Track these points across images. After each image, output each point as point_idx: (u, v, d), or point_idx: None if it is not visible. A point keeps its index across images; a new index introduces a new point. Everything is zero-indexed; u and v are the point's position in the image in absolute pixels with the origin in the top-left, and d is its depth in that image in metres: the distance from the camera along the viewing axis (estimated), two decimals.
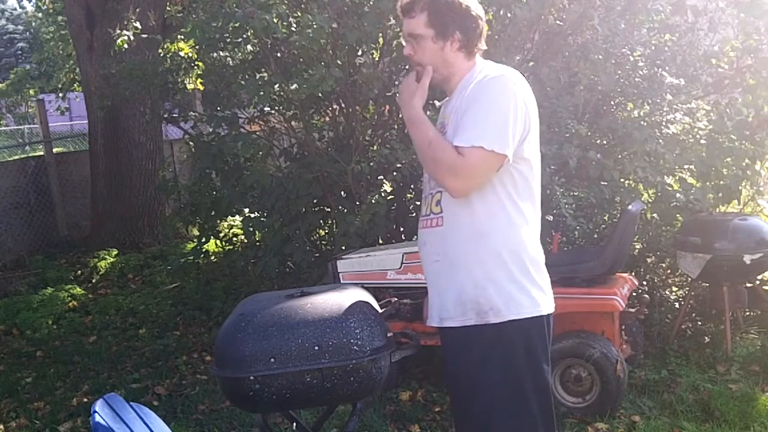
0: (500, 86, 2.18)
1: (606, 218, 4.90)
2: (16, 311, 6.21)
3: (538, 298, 2.24)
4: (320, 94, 4.76)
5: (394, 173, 4.78)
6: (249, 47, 5.23)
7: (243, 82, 4.99)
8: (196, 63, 5.97)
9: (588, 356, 3.73)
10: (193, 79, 6.18)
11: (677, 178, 4.87)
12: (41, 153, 8.96)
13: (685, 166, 4.82)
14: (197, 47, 5.61)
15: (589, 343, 3.77)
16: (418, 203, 5.16)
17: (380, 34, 4.72)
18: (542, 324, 2.25)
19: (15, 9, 39.59)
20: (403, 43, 2.33)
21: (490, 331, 2.20)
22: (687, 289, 5.00)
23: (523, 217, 2.24)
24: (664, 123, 4.68)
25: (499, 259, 2.20)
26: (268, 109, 5.31)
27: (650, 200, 4.86)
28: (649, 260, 5.10)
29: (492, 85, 2.18)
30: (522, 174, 2.23)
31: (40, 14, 16.70)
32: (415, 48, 2.30)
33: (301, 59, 4.71)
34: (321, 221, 5.45)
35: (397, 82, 5.11)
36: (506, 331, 2.20)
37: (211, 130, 5.37)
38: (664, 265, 5.14)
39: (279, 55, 4.96)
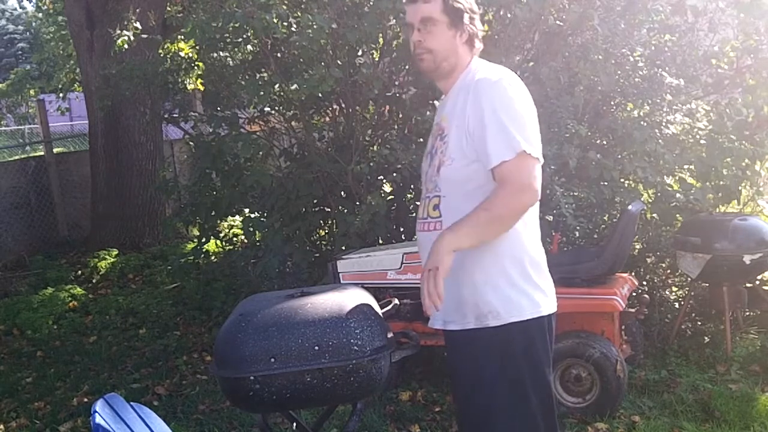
0: (508, 91, 2.17)
1: (606, 218, 4.90)
2: (16, 311, 6.22)
3: (539, 300, 2.23)
4: (320, 95, 4.77)
5: (394, 174, 4.78)
6: (249, 47, 5.23)
7: (243, 83, 5.00)
8: (196, 63, 5.98)
9: (588, 356, 3.73)
10: (193, 79, 6.19)
11: (677, 178, 4.87)
12: (41, 153, 8.97)
13: (685, 166, 4.82)
14: (197, 47, 5.62)
15: (589, 343, 3.77)
16: (418, 203, 5.15)
17: (380, 34, 4.72)
18: (543, 325, 2.24)
19: (15, 9, 39.59)
20: (411, 39, 2.30)
21: (490, 333, 2.20)
22: (687, 289, 5.00)
23: (522, 219, 2.23)
24: (663, 123, 4.68)
25: (498, 263, 2.20)
26: (268, 109, 5.32)
27: (650, 200, 4.86)
28: (649, 260, 5.10)
29: (500, 90, 2.16)
30: None
31: (40, 14, 16.70)
32: (426, 34, 2.26)
33: (301, 59, 4.71)
34: (321, 221, 5.45)
35: (397, 83, 5.11)
36: (506, 333, 2.19)
37: (211, 130, 5.37)
38: (664, 265, 5.14)
39: (279, 55, 4.96)
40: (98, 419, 2.29)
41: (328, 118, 5.49)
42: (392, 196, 5.00)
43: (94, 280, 7.32)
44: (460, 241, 2.09)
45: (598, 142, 4.84)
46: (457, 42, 2.26)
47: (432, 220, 2.30)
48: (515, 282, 2.20)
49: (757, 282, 4.88)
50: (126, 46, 5.58)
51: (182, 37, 6.19)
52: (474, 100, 2.18)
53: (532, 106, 2.23)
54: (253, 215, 5.39)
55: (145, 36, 5.76)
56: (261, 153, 5.27)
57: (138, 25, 5.66)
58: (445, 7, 2.23)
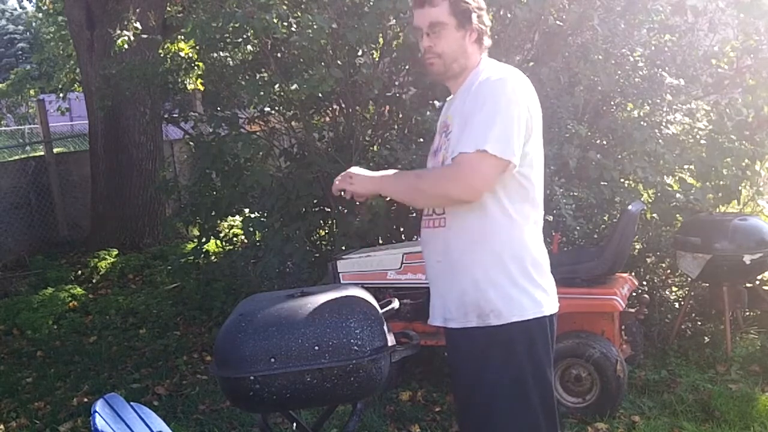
0: (503, 91, 2.15)
1: (606, 218, 4.90)
2: (16, 311, 6.21)
3: (540, 299, 2.23)
4: (320, 95, 4.77)
5: None
6: (249, 47, 5.24)
7: (243, 83, 5.00)
8: (196, 63, 5.98)
9: (588, 356, 3.73)
10: (193, 79, 6.19)
11: (677, 178, 4.87)
12: (41, 153, 8.97)
13: (685, 166, 4.83)
14: (197, 47, 5.62)
15: (589, 343, 3.77)
16: None
17: (380, 35, 4.72)
18: (545, 324, 2.24)
19: (15, 9, 39.60)
20: (421, 43, 2.31)
21: (492, 332, 2.20)
22: (687, 289, 5.00)
23: (525, 219, 2.23)
24: (663, 123, 4.68)
25: (500, 261, 2.20)
26: (268, 109, 5.32)
27: (650, 200, 4.86)
28: (649, 260, 5.10)
29: (495, 89, 2.16)
30: (524, 176, 2.22)
31: (40, 15, 16.70)
32: (435, 39, 2.26)
33: (301, 59, 4.71)
34: (321, 221, 5.45)
35: (397, 83, 5.10)
36: (508, 332, 2.20)
37: (211, 130, 5.37)
38: (664, 265, 5.14)
39: (279, 55, 4.96)
40: (98, 419, 2.30)
41: (328, 118, 5.49)
42: None
43: (94, 280, 7.32)
44: (386, 189, 2.35)
45: (598, 142, 4.84)
46: (465, 42, 2.27)
47: (437, 217, 2.30)
48: (516, 281, 2.21)
49: (757, 282, 4.88)
50: (126, 46, 5.58)
51: (182, 37, 6.20)
52: (473, 97, 2.19)
53: (532, 108, 2.21)
54: (253, 215, 5.39)
55: (145, 36, 5.75)
56: (261, 153, 5.26)
57: (138, 25, 5.66)
58: (453, 9, 2.23)
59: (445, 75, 2.32)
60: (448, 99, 2.43)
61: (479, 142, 2.10)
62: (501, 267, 2.20)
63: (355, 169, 2.36)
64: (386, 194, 2.36)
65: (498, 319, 2.19)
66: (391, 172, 2.39)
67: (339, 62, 4.72)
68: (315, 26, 4.22)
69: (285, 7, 4.57)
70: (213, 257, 6.80)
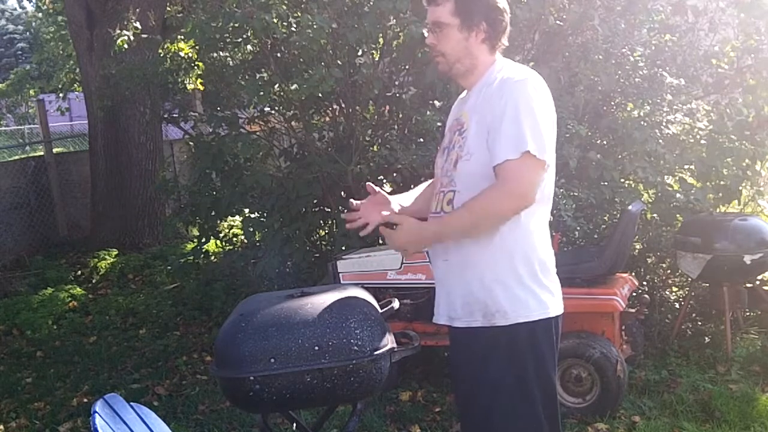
0: (527, 92, 2.15)
1: (606, 218, 4.90)
2: (16, 311, 6.21)
3: (547, 300, 2.23)
4: (320, 95, 4.76)
5: (395, 174, 4.77)
6: (249, 47, 5.23)
7: (243, 82, 5.00)
8: (196, 63, 5.98)
9: (588, 356, 3.73)
10: (193, 79, 6.18)
11: (677, 178, 4.87)
12: (41, 153, 8.97)
13: (685, 167, 4.83)
14: (197, 47, 5.61)
15: (589, 343, 3.77)
16: None
17: (380, 34, 4.72)
18: (550, 326, 2.24)
19: (15, 9, 39.60)
20: (425, 34, 2.32)
21: (497, 332, 2.20)
22: (687, 289, 5.00)
23: (535, 219, 2.23)
24: (664, 123, 4.68)
25: (509, 261, 2.20)
26: (268, 109, 5.32)
27: (650, 200, 4.86)
28: (649, 260, 5.10)
29: (519, 90, 2.15)
30: None
31: (40, 14, 16.73)
32: (438, 37, 2.27)
33: (301, 59, 4.71)
34: (321, 221, 5.45)
35: (397, 83, 5.10)
36: (513, 332, 2.19)
37: (211, 130, 5.37)
38: (664, 265, 5.14)
39: (279, 55, 4.96)
40: (98, 420, 2.29)
41: (328, 118, 5.49)
42: None
43: (93, 280, 7.32)
44: (441, 241, 2.25)
45: (598, 142, 4.84)
46: (470, 43, 2.26)
47: (445, 215, 2.30)
48: (524, 282, 2.20)
49: (757, 282, 4.87)
50: (126, 46, 5.58)
51: (182, 37, 6.19)
52: (497, 97, 2.17)
53: (552, 109, 2.23)
54: (253, 215, 5.39)
55: (145, 36, 5.75)
56: (261, 153, 5.26)
57: (138, 25, 5.66)
58: (457, 9, 2.22)
59: (450, 73, 2.33)
60: (461, 96, 2.42)
61: (520, 145, 2.09)
62: (510, 267, 2.20)
63: (404, 235, 2.26)
64: (443, 239, 2.27)
65: (504, 320, 2.19)
66: (434, 223, 2.28)
67: (339, 62, 4.72)
68: (315, 26, 4.22)
69: (285, 7, 4.56)
70: (213, 257, 6.80)
